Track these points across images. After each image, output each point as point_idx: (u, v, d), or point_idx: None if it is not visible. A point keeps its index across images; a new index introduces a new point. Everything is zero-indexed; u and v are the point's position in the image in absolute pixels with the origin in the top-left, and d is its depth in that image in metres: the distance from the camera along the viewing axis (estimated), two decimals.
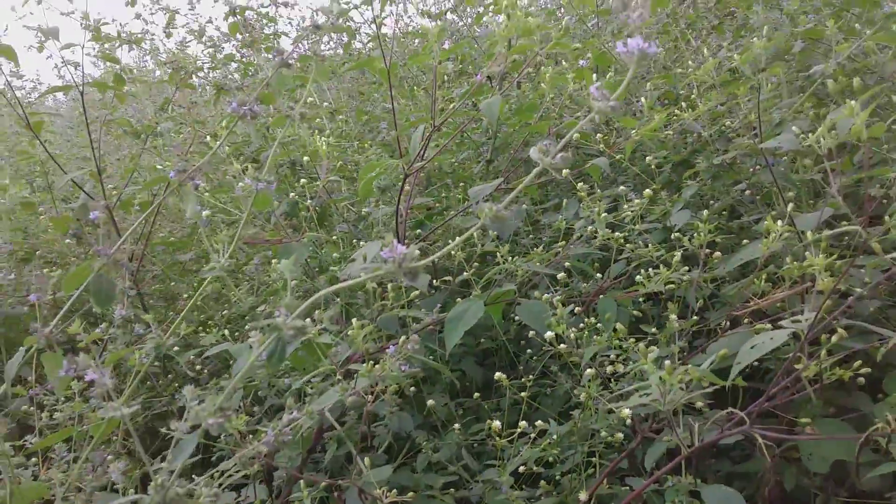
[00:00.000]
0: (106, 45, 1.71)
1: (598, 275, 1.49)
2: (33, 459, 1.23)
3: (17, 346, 1.00)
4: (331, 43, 2.84)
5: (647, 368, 0.93)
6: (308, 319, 1.07)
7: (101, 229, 1.12)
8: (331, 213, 1.81)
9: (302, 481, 1.03)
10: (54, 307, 1.48)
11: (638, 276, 1.34)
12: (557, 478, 1.33)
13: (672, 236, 1.49)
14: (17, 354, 0.95)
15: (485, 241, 1.59)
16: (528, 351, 1.63)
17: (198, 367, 1.51)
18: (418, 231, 1.75)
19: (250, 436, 1.12)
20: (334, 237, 1.70)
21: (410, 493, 0.99)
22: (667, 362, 0.94)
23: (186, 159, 1.25)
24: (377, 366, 1.02)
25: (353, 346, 1.06)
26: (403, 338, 1.04)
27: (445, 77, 1.98)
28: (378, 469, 1.09)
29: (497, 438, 1.18)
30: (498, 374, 1.24)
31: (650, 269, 1.34)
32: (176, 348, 1.50)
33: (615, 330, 1.22)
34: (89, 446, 1.07)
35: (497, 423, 1.16)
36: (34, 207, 1.80)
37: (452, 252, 1.55)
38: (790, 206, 1.35)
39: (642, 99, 1.62)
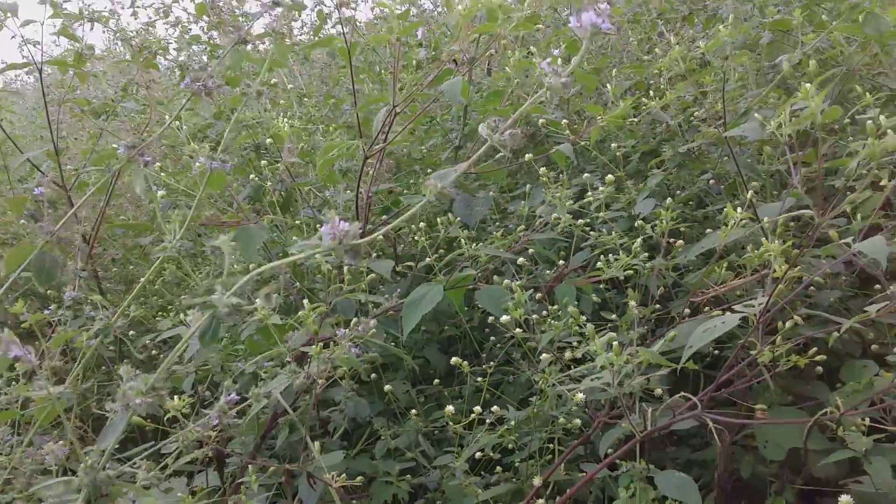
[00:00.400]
0: (67, 23, 1.68)
1: (562, 262, 1.48)
2: None
3: None
4: (304, 28, 2.81)
5: (596, 349, 0.92)
6: (258, 301, 1.05)
7: (47, 206, 1.10)
8: (295, 199, 1.79)
9: (251, 467, 1.02)
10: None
11: (599, 262, 1.34)
12: (516, 464, 1.33)
13: (636, 224, 1.49)
14: None
15: (450, 227, 1.58)
16: (492, 339, 1.63)
17: (154, 352, 1.49)
18: (384, 217, 1.73)
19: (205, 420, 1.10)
20: (298, 222, 1.68)
21: (359, 478, 0.97)
22: (615, 343, 0.94)
23: (142, 138, 1.23)
24: (328, 348, 1.00)
25: (304, 326, 1.05)
26: (355, 320, 1.02)
27: (415, 62, 1.96)
28: (329, 454, 1.08)
29: (452, 424, 1.17)
30: (455, 359, 1.23)
31: (611, 255, 1.34)
32: (132, 332, 1.47)
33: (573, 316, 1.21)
34: (30, 431, 1.05)
35: (450, 408, 1.15)
36: None
37: (416, 237, 1.54)
38: (750, 193, 1.35)
39: (608, 85, 1.62)
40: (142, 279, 1.80)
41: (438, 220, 1.56)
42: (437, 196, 0.79)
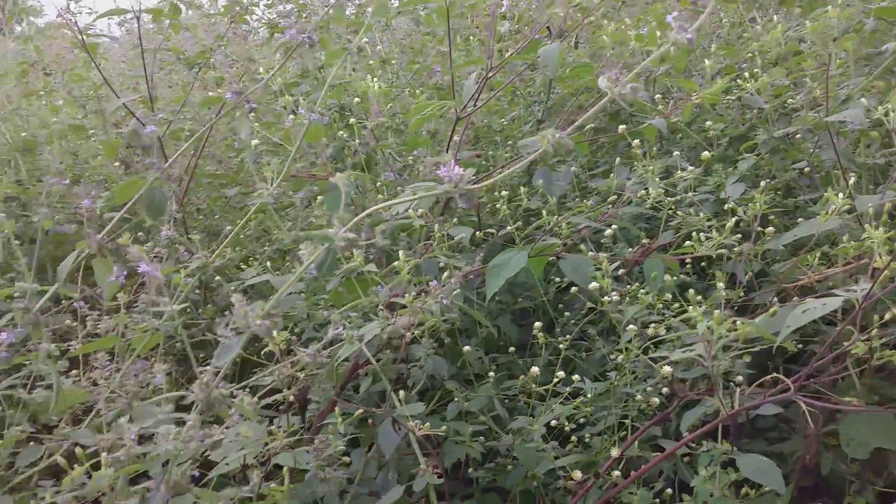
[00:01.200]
0: None
1: (646, 239, 1.46)
2: (74, 371, 1.24)
3: None
4: None
5: (695, 315, 0.90)
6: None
7: (152, 147, 1.12)
8: (377, 162, 1.80)
9: (337, 408, 1.04)
10: (100, 227, 1.49)
11: (688, 242, 1.31)
12: (587, 439, 1.32)
13: (725, 207, 1.45)
14: (70, 257, 0.96)
15: (531, 198, 1.56)
16: (567, 314, 1.61)
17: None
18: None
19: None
20: (378, 184, 1.69)
21: (444, 427, 0.98)
22: (717, 312, 0.92)
23: (241, 88, 1.25)
24: (419, 298, 1.01)
25: (398, 278, 1.06)
26: (447, 273, 1.02)
27: (500, 31, 1.94)
28: (411, 405, 1.08)
29: (534, 386, 1.17)
30: (538, 325, 1.23)
31: (702, 235, 1.31)
32: (217, 278, 1.50)
33: (661, 291, 1.20)
34: (131, 358, 1.08)
35: (535, 369, 1.15)
36: (85, 131, 1.81)
37: (497, 206, 1.53)
38: (852, 180, 1.31)
39: (705, 61, 1.58)
40: (232, 227, 1.84)
41: (522, 188, 1.55)
42: (553, 145, 0.78)
